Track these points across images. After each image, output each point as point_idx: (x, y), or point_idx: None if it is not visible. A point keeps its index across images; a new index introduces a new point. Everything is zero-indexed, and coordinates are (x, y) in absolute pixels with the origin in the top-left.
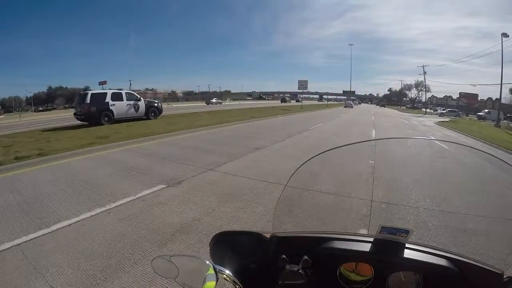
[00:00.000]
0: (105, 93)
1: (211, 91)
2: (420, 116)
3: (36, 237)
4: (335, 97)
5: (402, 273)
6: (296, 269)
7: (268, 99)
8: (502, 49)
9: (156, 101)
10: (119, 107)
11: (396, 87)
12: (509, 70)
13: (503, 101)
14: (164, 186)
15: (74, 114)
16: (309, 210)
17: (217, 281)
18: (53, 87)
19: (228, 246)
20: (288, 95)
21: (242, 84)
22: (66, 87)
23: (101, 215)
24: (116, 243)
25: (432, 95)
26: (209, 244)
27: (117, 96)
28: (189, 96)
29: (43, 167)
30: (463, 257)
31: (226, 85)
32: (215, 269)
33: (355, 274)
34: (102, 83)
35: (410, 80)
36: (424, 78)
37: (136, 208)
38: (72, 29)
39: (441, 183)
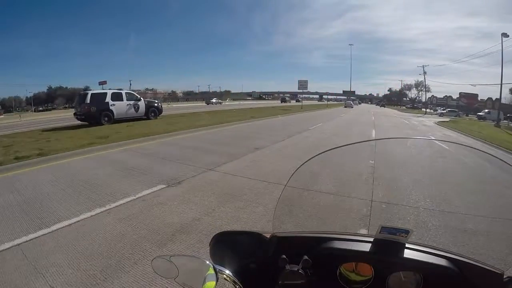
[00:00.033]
0: (105, 93)
1: (211, 91)
2: (420, 116)
3: (36, 237)
4: (335, 97)
5: (402, 273)
6: (296, 269)
7: (268, 99)
8: (502, 49)
9: (156, 101)
10: (119, 107)
11: (396, 87)
12: (509, 70)
13: (503, 101)
14: (164, 186)
15: (74, 114)
16: (309, 210)
17: (217, 281)
18: (53, 87)
19: (228, 246)
20: (288, 95)
21: (242, 84)
22: (66, 87)
23: (101, 215)
24: (116, 243)
25: (432, 95)
26: (209, 244)
27: (117, 96)
28: (189, 96)
29: (43, 167)
30: (463, 257)
31: (226, 85)
32: (215, 269)
33: (355, 274)
34: (102, 83)
35: (410, 80)
36: (424, 78)
37: (136, 208)
38: (72, 29)
39: (441, 183)
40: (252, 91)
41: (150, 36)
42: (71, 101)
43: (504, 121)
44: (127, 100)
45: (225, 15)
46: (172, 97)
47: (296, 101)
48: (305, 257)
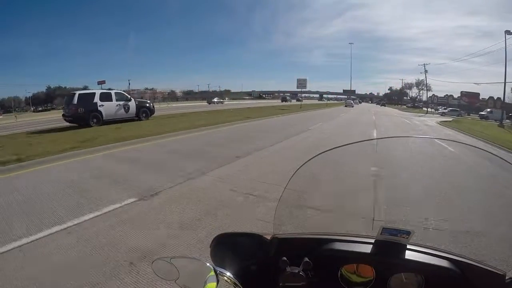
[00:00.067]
0: (93, 94)
1: (210, 90)
2: (422, 116)
3: None
4: (335, 96)
5: (404, 275)
6: (297, 271)
7: (268, 98)
8: (505, 46)
9: (148, 101)
10: (108, 108)
11: (397, 86)
12: (509, 69)
13: (505, 100)
14: (135, 199)
15: (63, 115)
16: (309, 211)
17: (218, 283)
18: (52, 87)
19: (229, 248)
20: (289, 94)
21: (242, 83)
22: (65, 87)
23: (55, 235)
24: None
25: (433, 94)
26: (210, 246)
27: (106, 97)
28: (189, 95)
29: (11, 175)
30: (465, 258)
31: (225, 84)
32: (215, 271)
33: (356, 276)
34: (101, 82)
35: (411, 79)
36: (426, 77)
37: (94, 229)
38: (71, 28)
39: (442, 183)
40: (252, 90)
41: (149, 35)
42: None
43: (507, 120)
44: (116, 100)
45: (225, 13)
46: (171, 96)
47: (296, 100)
48: (306, 259)
